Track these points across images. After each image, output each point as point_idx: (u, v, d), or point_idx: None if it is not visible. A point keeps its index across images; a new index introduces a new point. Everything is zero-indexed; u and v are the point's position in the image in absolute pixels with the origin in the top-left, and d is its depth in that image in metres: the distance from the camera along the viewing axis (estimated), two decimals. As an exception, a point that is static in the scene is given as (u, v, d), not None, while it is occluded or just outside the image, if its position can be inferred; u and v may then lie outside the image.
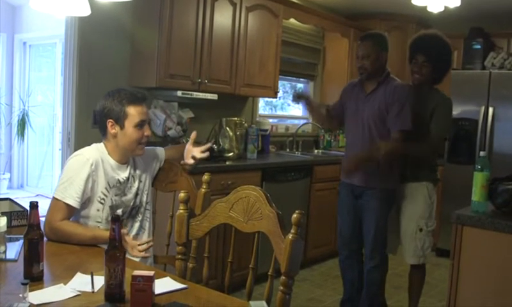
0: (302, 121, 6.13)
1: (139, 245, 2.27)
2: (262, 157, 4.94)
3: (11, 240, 2.15)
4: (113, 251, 1.68)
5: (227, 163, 4.33)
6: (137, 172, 2.51)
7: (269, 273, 1.90)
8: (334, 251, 5.03)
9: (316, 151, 5.99)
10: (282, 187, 4.59)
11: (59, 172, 2.44)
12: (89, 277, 1.82)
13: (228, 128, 4.58)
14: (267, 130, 5.30)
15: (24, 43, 7.83)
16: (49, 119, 7.68)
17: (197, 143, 2.84)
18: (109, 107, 2.36)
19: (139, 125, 2.39)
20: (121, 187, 2.42)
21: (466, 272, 2.51)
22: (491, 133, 5.45)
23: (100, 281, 1.76)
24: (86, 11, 2.21)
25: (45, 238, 1.88)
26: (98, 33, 3.90)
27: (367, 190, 3.41)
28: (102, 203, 2.36)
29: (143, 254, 2.25)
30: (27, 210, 2.13)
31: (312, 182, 4.98)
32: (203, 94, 4.23)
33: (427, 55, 3.42)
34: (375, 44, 3.39)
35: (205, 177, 2.42)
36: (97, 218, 2.36)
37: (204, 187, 2.41)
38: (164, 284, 1.82)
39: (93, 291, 1.74)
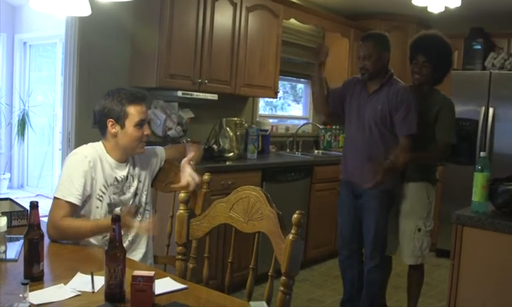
0: (302, 122, 6.13)
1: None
2: (262, 157, 4.94)
3: (11, 240, 2.15)
4: (113, 251, 1.68)
5: (227, 163, 4.33)
6: (136, 171, 2.51)
7: (269, 273, 1.90)
8: (334, 251, 5.03)
9: (316, 151, 5.99)
10: (282, 187, 4.59)
11: (59, 172, 2.44)
12: (89, 277, 1.82)
13: (228, 129, 4.58)
14: (267, 130, 5.30)
15: (24, 43, 7.82)
16: (49, 119, 7.68)
17: (196, 142, 2.83)
18: (109, 106, 2.37)
19: (139, 124, 2.40)
20: (119, 185, 2.42)
21: (466, 273, 2.51)
22: (491, 134, 5.45)
23: (100, 281, 1.76)
24: (86, 11, 2.21)
25: (45, 238, 1.88)
26: (99, 33, 3.90)
27: (367, 190, 3.41)
28: (100, 200, 2.37)
29: (147, 232, 2.26)
30: (27, 210, 2.13)
31: (312, 182, 4.98)
32: (204, 94, 4.23)
33: (428, 56, 3.42)
34: (376, 44, 3.39)
35: (205, 177, 2.42)
36: (96, 215, 2.37)
37: (204, 187, 2.41)
38: (164, 285, 1.82)
39: (93, 292, 1.74)
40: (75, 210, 2.29)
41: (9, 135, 7.78)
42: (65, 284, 1.78)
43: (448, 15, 5.00)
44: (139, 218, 2.50)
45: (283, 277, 1.79)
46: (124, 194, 2.45)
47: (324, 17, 5.58)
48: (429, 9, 4.12)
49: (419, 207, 3.47)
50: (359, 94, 3.49)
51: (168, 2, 3.87)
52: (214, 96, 4.33)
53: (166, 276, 1.94)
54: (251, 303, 1.68)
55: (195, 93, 4.16)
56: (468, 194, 2.63)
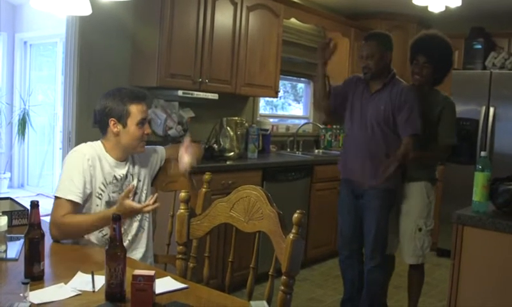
0: (303, 121, 6.13)
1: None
2: (263, 157, 4.94)
3: (11, 239, 2.15)
4: (114, 251, 1.68)
5: (228, 163, 4.33)
6: (136, 170, 2.51)
7: (270, 273, 1.90)
8: (334, 250, 5.02)
9: (317, 151, 5.99)
10: (283, 187, 4.59)
11: (59, 171, 2.44)
12: (89, 276, 1.82)
13: (228, 128, 4.58)
14: (267, 130, 5.30)
15: (25, 43, 7.83)
16: (50, 119, 7.69)
17: (197, 142, 2.83)
18: (111, 106, 2.37)
19: (141, 123, 2.42)
20: (118, 183, 2.43)
21: (466, 272, 2.51)
22: (492, 134, 5.45)
23: (100, 280, 1.76)
24: (87, 11, 2.21)
25: (46, 238, 1.88)
26: (99, 32, 3.90)
27: (368, 190, 3.41)
28: (99, 198, 2.37)
29: (151, 207, 2.28)
30: (28, 210, 2.13)
31: (313, 182, 4.98)
32: (204, 93, 4.23)
33: (428, 56, 3.41)
34: (379, 44, 3.38)
35: (206, 176, 2.42)
36: None
37: (205, 186, 2.41)
38: (165, 284, 1.83)
39: (93, 291, 1.74)
40: (76, 209, 2.29)
41: (10, 135, 7.78)
42: (66, 283, 1.78)
43: (448, 15, 5.00)
44: (139, 217, 2.50)
45: (283, 277, 1.79)
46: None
47: (324, 17, 5.58)
48: (430, 9, 4.12)
49: (419, 207, 3.47)
50: (361, 94, 3.49)
51: (168, 1, 3.87)
52: (215, 96, 4.33)
53: (166, 275, 1.94)
54: (252, 302, 1.68)
55: (196, 93, 4.16)
56: (469, 193, 2.63)
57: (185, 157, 2.60)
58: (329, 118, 3.80)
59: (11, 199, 2.77)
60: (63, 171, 2.34)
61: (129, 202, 2.26)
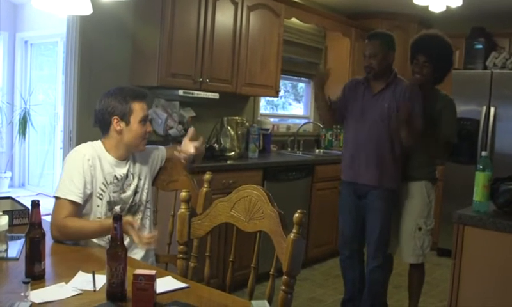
0: (303, 121, 6.13)
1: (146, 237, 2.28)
2: (263, 156, 4.94)
3: (12, 238, 2.15)
4: (115, 250, 1.68)
5: (228, 162, 4.33)
6: (137, 169, 2.51)
7: (271, 272, 1.90)
8: (335, 250, 5.02)
9: (317, 150, 5.99)
10: (283, 187, 4.59)
11: (60, 171, 2.44)
12: (90, 276, 1.82)
13: (229, 128, 4.58)
14: (268, 130, 5.30)
15: (26, 42, 7.83)
16: (50, 118, 7.69)
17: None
18: (114, 104, 2.38)
19: (143, 121, 2.43)
20: (119, 183, 2.43)
21: (467, 272, 2.51)
22: (492, 133, 5.45)
23: (101, 279, 1.76)
24: (87, 10, 2.21)
25: (46, 237, 1.88)
26: (100, 32, 3.90)
27: (372, 190, 3.41)
28: (100, 198, 2.37)
29: (146, 246, 2.27)
30: (29, 209, 2.13)
31: (313, 181, 4.98)
32: (205, 93, 4.23)
33: (428, 56, 3.42)
34: (382, 43, 3.39)
35: (207, 176, 2.42)
36: (97, 213, 2.37)
37: (205, 186, 2.41)
38: (166, 283, 1.82)
39: (94, 290, 1.74)
40: (77, 209, 2.29)
41: (11, 134, 7.79)
42: (66, 283, 1.78)
43: (449, 15, 5.00)
44: (139, 216, 2.50)
45: (284, 277, 1.79)
46: (124, 191, 2.45)
47: (325, 16, 5.58)
48: (431, 9, 4.12)
49: (419, 206, 3.48)
50: (362, 96, 3.48)
51: (169, 1, 3.87)
52: (215, 95, 4.33)
53: (167, 275, 1.94)
54: (253, 302, 1.68)
55: (196, 92, 4.17)
56: (470, 193, 2.63)
57: (189, 145, 2.66)
58: (338, 125, 3.82)
59: (11, 198, 2.77)
60: (63, 171, 2.34)
61: (132, 230, 2.22)
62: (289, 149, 5.70)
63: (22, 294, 1.57)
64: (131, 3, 3.98)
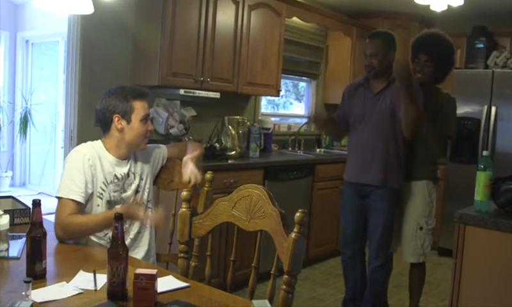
0: (304, 120, 6.12)
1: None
2: (264, 156, 4.94)
3: (13, 238, 2.16)
4: (116, 249, 1.68)
5: (229, 161, 4.33)
6: (138, 169, 2.51)
7: (272, 272, 1.90)
8: (336, 249, 5.02)
9: (318, 150, 5.99)
10: (284, 186, 4.59)
11: (61, 170, 2.44)
12: (91, 275, 1.82)
13: (230, 127, 4.58)
14: (269, 129, 5.30)
15: (27, 41, 7.84)
16: (51, 117, 7.70)
17: (198, 141, 2.83)
18: (115, 102, 2.38)
19: (144, 119, 2.42)
20: (119, 183, 2.42)
21: (468, 272, 2.51)
22: (493, 133, 5.44)
23: (102, 279, 1.76)
24: (89, 10, 2.21)
25: (47, 236, 1.88)
26: (101, 31, 3.90)
27: (375, 189, 3.41)
28: (100, 198, 2.37)
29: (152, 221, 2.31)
30: (30, 208, 2.13)
31: (314, 181, 4.98)
32: (206, 92, 4.23)
33: (429, 55, 3.42)
34: (383, 43, 3.39)
35: (208, 176, 2.42)
36: (97, 213, 2.37)
37: (206, 185, 2.41)
38: (167, 283, 1.82)
39: (95, 290, 1.74)
40: (80, 208, 2.29)
41: (12, 133, 7.80)
42: (67, 282, 1.78)
43: (450, 14, 4.99)
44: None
45: (285, 276, 1.79)
46: (125, 191, 2.45)
47: (326, 16, 5.57)
48: (432, 8, 4.12)
49: (421, 205, 3.47)
50: (362, 97, 3.48)
51: (170, 0, 3.87)
52: (216, 95, 4.33)
53: (168, 274, 1.94)
54: (254, 301, 1.68)
55: (197, 91, 4.17)
56: (471, 193, 2.63)
57: (189, 167, 2.60)
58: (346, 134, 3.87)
59: (12, 197, 2.77)
60: (64, 171, 2.33)
61: (136, 210, 2.27)
62: (290, 149, 5.70)
63: (23, 293, 1.57)
64: (132, 2, 3.98)
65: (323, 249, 5.16)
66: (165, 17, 3.88)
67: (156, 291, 1.64)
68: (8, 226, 2.05)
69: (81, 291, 1.72)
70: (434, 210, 3.56)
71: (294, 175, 4.73)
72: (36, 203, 1.85)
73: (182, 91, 4.06)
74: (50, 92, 7.78)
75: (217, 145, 4.46)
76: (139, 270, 1.63)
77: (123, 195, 2.44)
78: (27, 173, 8.03)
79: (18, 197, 2.78)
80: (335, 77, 6.19)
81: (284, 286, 1.79)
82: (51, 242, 2.17)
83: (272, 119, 5.65)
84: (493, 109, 5.43)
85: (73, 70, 3.87)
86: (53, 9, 2.18)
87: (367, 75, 3.47)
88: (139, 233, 2.48)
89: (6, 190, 7.27)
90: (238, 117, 4.74)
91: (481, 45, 5.74)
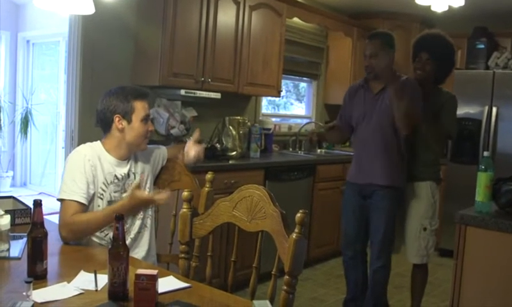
0: (305, 121, 6.12)
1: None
2: (265, 156, 4.94)
3: (14, 238, 2.16)
4: (117, 250, 1.68)
5: (230, 162, 4.33)
6: (139, 169, 2.51)
7: (273, 272, 1.89)
8: (336, 250, 5.03)
9: (319, 150, 5.98)
10: (285, 186, 4.59)
11: (62, 170, 2.44)
12: (92, 275, 1.82)
13: (231, 127, 4.58)
14: (270, 129, 5.29)
15: (28, 41, 7.84)
16: (52, 118, 7.70)
17: (198, 141, 2.84)
18: (115, 103, 2.38)
19: (145, 119, 2.43)
20: (119, 183, 2.42)
21: (469, 272, 2.50)
22: (494, 134, 5.44)
23: (103, 279, 1.76)
24: (90, 10, 2.21)
25: (50, 237, 1.87)
26: (102, 31, 3.90)
27: (378, 190, 3.41)
28: (101, 198, 2.37)
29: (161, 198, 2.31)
30: (31, 208, 2.13)
31: (315, 181, 4.97)
32: (207, 93, 4.23)
33: (431, 54, 3.42)
34: (383, 43, 3.39)
35: (208, 176, 2.42)
36: None
37: (207, 185, 2.41)
38: (168, 283, 1.82)
39: (96, 290, 1.74)
40: (83, 209, 2.28)
41: (12, 133, 7.80)
42: (68, 282, 1.78)
43: (451, 14, 4.99)
44: (141, 215, 2.50)
45: (286, 277, 1.79)
46: (126, 191, 2.44)
47: (327, 16, 5.57)
48: (433, 8, 4.12)
49: (424, 206, 3.47)
50: (363, 98, 3.48)
51: (171, 1, 3.87)
52: (217, 95, 4.33)
53: (169, 275, 1.94)
54: (255, 302, 1.68)
55: (198, 92, 4.17)
56: (472, 193, 2.63)
57: (191, 150, 2.68)
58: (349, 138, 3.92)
59: (13, 197, 2.77)
60: (65, 173, 2.33)
61: (140, 192, 2.28)
62: (291, 149, 5.70)
63: (24, 293, 1.57)
64: (133, 3, 3.98)
65: (324, 250, 5.16)
66: (166, 17, 3.88)
67: (157, 291, 1.64)
68: (8, 226, 2.05)
69: (82, 291, 1.72)
70: (438, 210, 3.56)
71: (294, 176, 4.73)
72: (37, 203, 1.86)
73: (182, 92, 4.07)
74: (51, 92, 7.78)
75: (218, 145, 4.46)
76: (140, 271, 1.63)
77: (124, 195, 2.43)
78: (27, 173, 8.04)
79: (19, 198, 2.78)
80: (335, 77, 6.20)
81: (285, 287, 1.79)
82: (52, 243, 2.17)
83: (273, 119, 5.64)
84: (494, 109, 5.43)
85: (74, 70, 3.87)
86: (54, 9, 2.18)
87: (367, 75, 3.47)
88: (139, 232, 2.48)
89: (7, 191, 7.28)
90: (239, 117, 4.74)
91: (482, 46, 5.74)
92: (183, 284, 1.85)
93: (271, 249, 1.99)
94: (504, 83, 5.38)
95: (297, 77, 6.15)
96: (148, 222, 2.54)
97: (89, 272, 1.85)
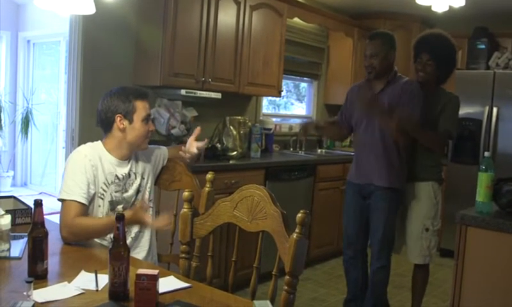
0: (306, 121, 6.11)
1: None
2: (266, 156, 4.94)
3: (15, 238, 2.16)
4: (117, 250, 1.68)
5: (231, 162, 4.33)
6: (140, 169, 2.51)
7: (273, 272, 1.89)
8: (337, 250, 5.03)
9: (319, 150, 5.98)
10: (285, 186, 4.58)
11: (62, 170, 2.44)
12: (93, 275, 1.82)
13: (231, 127, 4.58)
14: (270, 129, 5.29)
15: (28, 41, 7.84)
16: (53, 117, 7.71)
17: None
18: (116, 103, 2.38)
19: (146, 119, 2.43)
20: (120, 183, 2.43)
21: (470, 273, 2.50)
22: (495, 134, 5.43)
23: (104, 279, 1.76)
24: (90, 10, 2.21)
25: (51, 237, 1.87)
26: (103, 31, 3.90)
27: (376, 190, 3.41)
28: (102, 198, 2.37)
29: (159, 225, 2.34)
30: (31, 208, 2.14)
31: (315, 181, 4.97)
32: (207, 93, 4.23)
33: (432, 54, 3.42)
34: (384, 43, 3.39)
35: (209, 176, 2.42)
36: (99, 214, 2.37)
37: (208, 185, 2.41)
38: (168, 283, 1.82)
39: (97, 290, 1.74)
40: (84, 210, 2.28)
41: (13, 133, 7.80)
42: (69, 282, 1.78)
43: (452, 14, 4.99)
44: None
45: (287, 277, 1.79)
46: (127, 191, 2.45)
47: (328, 16, 5.57)
48: (433, 9, 4.11)
49: (427, 207, 3.47)
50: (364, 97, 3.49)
51: (171, 1, 3.87)
52: (218, 95, 4.33)
53: (169, 275, 1.94)
54: (255, 302, 1.68)
55: (199, 92, 4.17)
56: (472, 194, 2.63)
57: (193, 145, 2.71)
58: (349, 135, 3.92)
59: (14, 197, 2.77)
60: (66, 173, 2.33)
61: (143, 214, 2.28)
62: (291, 149, 5.69)
63: (25, 293, 1.57)
64: (134, 3, 3.98)
65: (324, 250, 5.16)
66: (167, 17, 3.88)
67: (157, 291, 1.64)
68: (9, 226, 2.05)
69: (83, 291, 1.72)
70: (440, 211, 3.55)
71: (295, 176, 4.73)
72: (38, 203, 1.85)
73: (183, 92, 4.07)
74: (52, 92, 7.79)
75: (218, 145, 4.46)
76: (141, 271, 1.63)
77: (125, 195, 2.44)
78: (28, 173, 8.04)
79: (19, 197, 2.78)
80: (336, 77, 6.20)
81: (286, 287, 1.79)
82: (53, 242, 2.17)
83: (274, 119, 5.64)
84: (495, 109, 5.42)
85: (75, 70, 3.87)
86: (55, 9, 2.18)
87: (367, 75, 3.47)
88: (140, 232, 2.48)
89: (8, 190, 7.28)
90: (239, 117, 4.74)
91: (483, 46, 5.74)
92: (183, 284, 1.85)
93: (271, 249, 1.99)
94: (504, 83, 5.38)
95: (298, 77, 6.15)
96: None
97: (89, 272, 1.85)
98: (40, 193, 7.39)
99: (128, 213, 2.26)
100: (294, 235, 1.77)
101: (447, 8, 4.08)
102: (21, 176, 8.01)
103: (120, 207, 2.41)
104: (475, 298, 2.51)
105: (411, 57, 3.58)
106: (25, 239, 2.03)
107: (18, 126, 7.58)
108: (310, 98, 6.37)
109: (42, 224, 1.84)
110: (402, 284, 4.40)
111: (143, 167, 2.53)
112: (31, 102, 7.57)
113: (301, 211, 1.76)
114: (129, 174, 2.46)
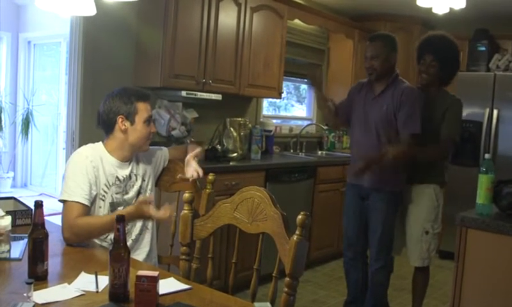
0: (306, 122, 6.13)
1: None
2: (266, 158, 4.94)
3: (15, 239, 2.15)
4: (118, 251, 1.68)
5: (231, 163, 4.33)
6: (140, 170, 2.51)
7: (274, 274, 1.89)
8: (337, 252, 5.03)
9: (320, 152, 5.98)
10: (286, 188, 4.58)
11: (63, 171, 2.44)
12: (93, 276, 1.82)
13: (232, 129, 4.58)
14: (271, 131, 5.29)
15: (29, 42, 7.85)
16: (53, 119, 7.71)
17: (198, 143, 2.84)
18: (118, 104, 2.38)
19: (147, 121, 2.43)
20: (121, 184, 2.42)
21: (470, 275, 2.50)
22: (495, 136, 5.44)
23: (104, 280, 1.76)
24: (91, 11, 2.21)
25: (50, 239, 1.87)
26: (103, 33, 3.90)
27: (374, 192, 3.41)
28: (103, 200, 2.37)
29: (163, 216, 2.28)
30: (32, 209, 2.13)
31: (316, 183, 4.97)
32: (208, 94, 4.23)
33: (435, 55, 3.42)
34: (385, 45, 3.39)
35: (209, 177, 2.42)
36: (99, 215, 2.37)
37: (208, 187, 2.41)
38: (168, 285, 1.82)
39: (97, 291, 1.74)
40: (86, 211, 2.28)
41: (13, 134, 7.80)
42: (69, 283, 1.78)
43: (452, 16, 4.99)
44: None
45: (287, 278, 1.79)
46: (127, 193, 2.45)
47: (328, 18, 5.58)
48: (434, 11, 4.10)
49: (427, 210, 3.46)
50: (363, 98, 3.49)
51: (172, 2, 3.87)
52: (218, 97, 4.33)
53: (169, 276, 1.93)
54: (256, 304, 1.68)
55: (199, 93, 4.17)
56: (472, 196, 2.63)
57: (193, 165, 2.62)
58: (340, 128, 3.90)
59: (14, 198, 2.77)
60: (67, 174, 2.32)
61: (147, 207, 2.26)
62: (292, 151, 5.69)
63: (25, 295, 1.57)
64: (134, 4, 3.98)
65: (324, 252, 5.16)
66: (167, 19, 3.88)
67: (158, 293, 1.64)
68: (9, 227, 2.05)
69: (83, 292, 1.72)
70: (441, 214, 3.54)
71: (295, 177, 4.73)
72: (38, 204, 1.86)
73: (183, 93, 4.07)
74: (52, 93, 7.79)
75: (218, 147, 4.46)
76: (141, 272, 1.63)
77: (126, 197, 2.44)
78: (28, 174, 8.04)
79: (19, 198, 2.78)
80: (336, 79, 6.19)
81: (286, 289, 1.79)
82: (53, 244, 2.17)
83: (274, 121, 5.64)
84: (495, 111, 5.42)
85: (75, 71, 3.87)
86: (55, 10, 2.18)
87: (368, 76, 3.47)
88: (140, 234, 2.48)
89: (8, 191, 7.28)
90: (240, 119, 4.74)
91: (483, 48, 5.74)
92: (184, 286, 1.85)
93: (271, 250, 1.99)
94: (505, 85, 5.38)
95: (298, 79, 6.15)
96: (149, 223, 2.53)
97: (90, 273, 1.85)
98: (40, 194, 7.39)
99: (131, 209, 2.26)
100: (294, 237, 1.77)
101: (447, 10, 4.07)
102: (21, 177, 8.02)
103: (120, 208, 2.41)
104: (475, 300, 2.51)
105: (414, 59, 3.58)
106: (26, 240, 2.03)
107: (19, 127, 7.58)
108: (310, 100, 6.37)
109: (42, 225, 1.84)
110: (402, 287, 4.40)
111: (143, 169, 2.53)
112: (31, 103, 7.57)
113: (302, 213, 1.76)
114: (130, 176, 2.46)
